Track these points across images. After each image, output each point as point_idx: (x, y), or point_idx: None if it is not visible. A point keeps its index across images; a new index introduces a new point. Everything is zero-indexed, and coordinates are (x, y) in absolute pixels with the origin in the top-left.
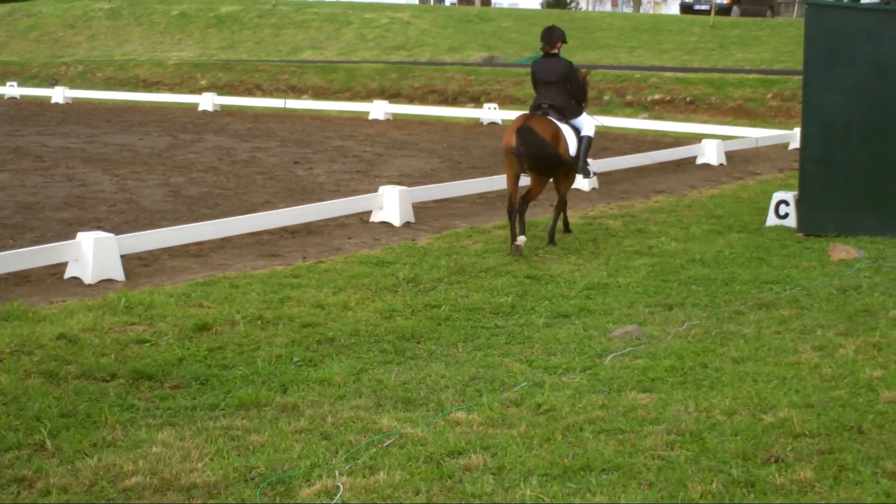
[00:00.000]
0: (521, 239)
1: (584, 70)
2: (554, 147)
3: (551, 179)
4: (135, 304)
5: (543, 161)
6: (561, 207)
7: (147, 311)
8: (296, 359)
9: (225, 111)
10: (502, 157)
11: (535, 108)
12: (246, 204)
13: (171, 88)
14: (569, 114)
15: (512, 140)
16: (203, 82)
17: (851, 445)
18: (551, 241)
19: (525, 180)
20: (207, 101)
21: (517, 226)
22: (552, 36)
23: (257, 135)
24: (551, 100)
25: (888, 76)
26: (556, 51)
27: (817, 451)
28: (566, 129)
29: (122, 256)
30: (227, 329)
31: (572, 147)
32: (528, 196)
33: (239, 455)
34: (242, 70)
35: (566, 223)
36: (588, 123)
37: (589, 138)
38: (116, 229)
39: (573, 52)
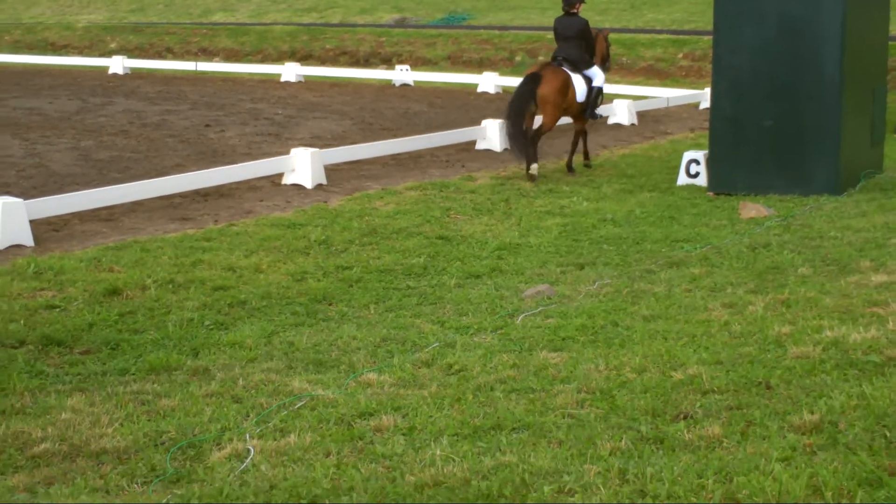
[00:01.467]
0: (534, 167)
1: (603, 31)
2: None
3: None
4: (44, 270)
5: (516, 102)
6: (576, 141)
7: (57, 276)
8: (207, 322)
9: (135, 74)
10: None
11: (553, 59)
12: (157, 167)
13: (81, 52)
14: (582, 66)
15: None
16: (113, 45)
17: (759, 401)
18: (569, 168)
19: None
20: (118, 65)
21: (532, 155)
22: None
23: (168, 98)
24: (567, 53)
25: (796, 35)
26: (575, 10)
27: (726, 407)
28: (577, 79)
29: (32, 221)
30: (138, 293)
31: (581, 94)
32: (541, 129)
33: (149, 420)
34: (153, 33)
35: (586, 154)
36: (599, 75)
37: (599, 88)
38: (25, 194)
39: (484, 13)
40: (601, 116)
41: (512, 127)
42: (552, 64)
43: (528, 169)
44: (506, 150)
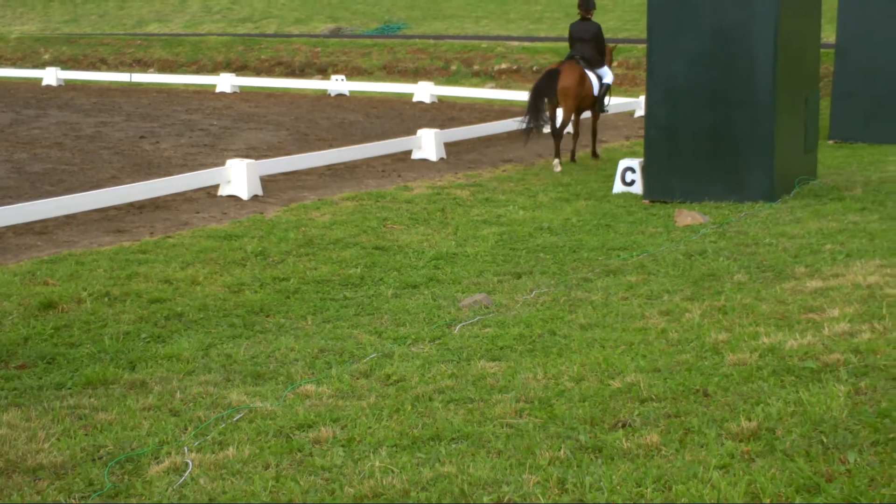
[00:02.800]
0: (557, 162)
1: (610, 45)
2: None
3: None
4: None
5: (538, 91)
6: (595, 131)
7: None
8: (144, 335)
9: (69, 86)
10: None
11: (570, 57)
12: (92, 180)
13: (14, 63)
14: (594, 64)
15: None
16: (46, 56)
17: (697, 408)
18: (594, 154)
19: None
20: (51, 76)
21: (557, 146)
22: (588, 5)
23: (102, 109)
24: (582, 52)
25: (729, 43)
26: (589, 16)
27: (664, 415)
28: (591, 75)
29: None
30: (74, 307)
31: (595, 88)
32: (563, 123)
33: (86, 434)
34: (86, 44)
35: (594, 149)
36: (608, 74)
37: (608, 84)
38: None
39: (419, 23)
40: (607, 110)
41: (534, 112)
42: (569, 60)
43: (557, 159)
44: (441, 159)
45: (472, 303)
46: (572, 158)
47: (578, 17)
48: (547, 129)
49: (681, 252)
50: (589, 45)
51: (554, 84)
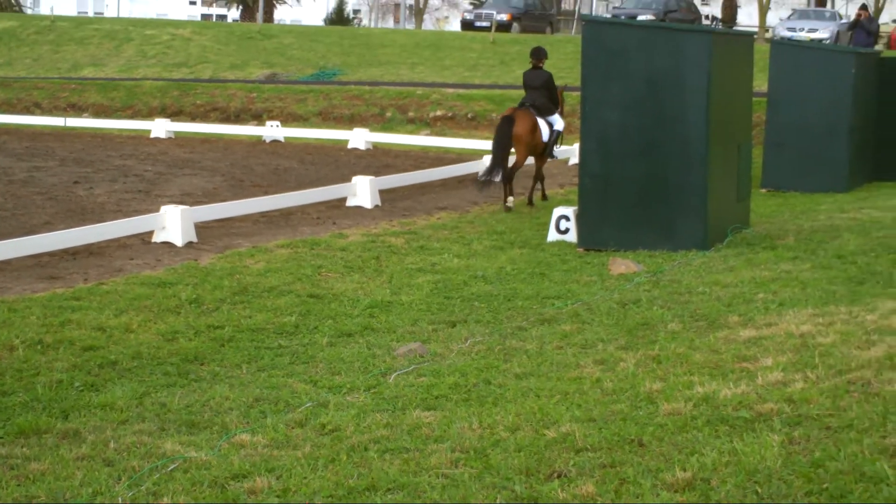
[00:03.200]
0: (510, 200)
1: (560, 86)
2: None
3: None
4: None
5: (500, 141)
6: (538, 178)
7: None
8: (77, 383)
9: (2, 129)
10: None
11: (521, 105)
12: (25, 225)
13: None
14: (545, 112)
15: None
16: None
17: (632, 458)
18: (530, 202)
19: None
20: None
21: (508, 189)
22: (539, 54)
23: (36, 154)
24: (533, 100)
25: (661, 92)
26: (541, 65)
27: (599, 465)
28: (542, 122)
29: None
30: (6, 354)
31: (545, 135)
32: (515, 166)
33: (18, 484)
34: (20, 88)
35: (543, 193)
36: (559, 121)
37: (559, 132)
38: None
39: (354, 69)
40: (556, 157)
41: (500, 162)
42: (521, 108)
43: (505, 201)
44: (376, 206)
45: (407, 352)
46: (529, 201)
47: (531, 66)
48: (510, 202)
49: (615, 301)
50: (540, 93)
51: (510, 132)
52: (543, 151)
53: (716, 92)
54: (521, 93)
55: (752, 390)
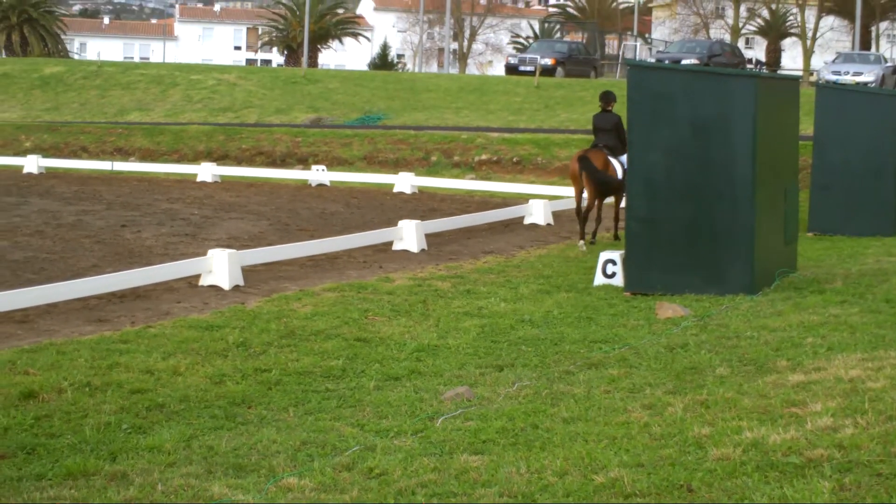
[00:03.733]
0: (586, 239)
1: None
2: (603, 172)
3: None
4: None
5: (594, 177)
6: (618, 217)
7: None
8: (125, 426)
9: (50, 174)
10: (569, 178)
11: (594, 146)
12: (73, 268)
13: None
14: (617, 152)
15: (575, 165)
16: (27, 144)
17: None
18: (616, 237)
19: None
20: (32, 164)
21: (582, 229)
22: (609, 98)
23: (84, 198)
24: (605, 141)
25: (707, 136)
26: (610, 108)
27: None
28: (614, 161)
29: None
30: (55, 396)
31: (619, 173)
32: (587, 208)
33: None
34: (68, 132)
35: (616, 233)
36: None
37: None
38: None
39: (399, 113)
40: None
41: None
42: (594, 148)
43: (581, 237)
44: (423, 250)
45: (454, 395)
46: (592, 240)
47: (600, 109)
48: (582, 245)
49: (662, 345)
50: (610, 135)
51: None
52: (618, 190)
53: (762, 135)
54: (566, 137)
55: (801, 436)
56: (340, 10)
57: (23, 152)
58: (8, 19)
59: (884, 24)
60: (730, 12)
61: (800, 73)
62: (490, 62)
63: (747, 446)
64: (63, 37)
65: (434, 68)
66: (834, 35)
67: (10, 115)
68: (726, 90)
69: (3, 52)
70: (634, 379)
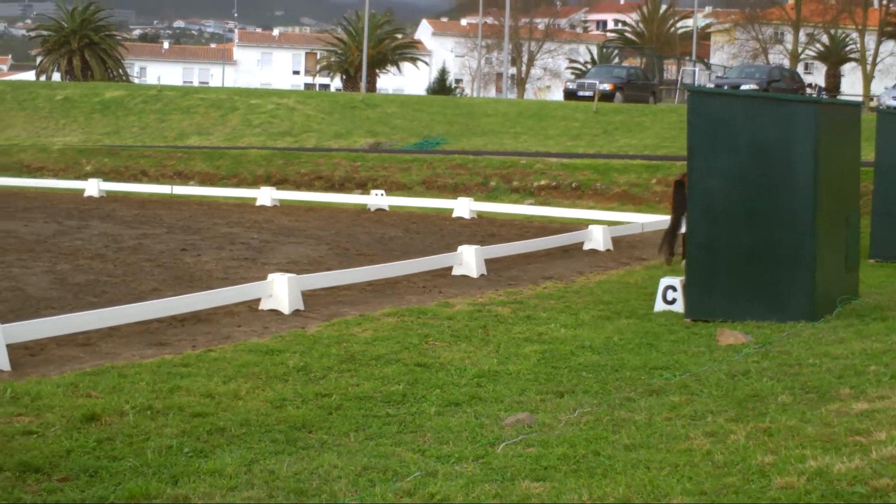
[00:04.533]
0: (671, 258)
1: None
2: None
3: None
4: (21, 395)
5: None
6: None
7: (34, 401)
8: (186, 449)
9: (111, 197)
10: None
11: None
12: (134, 292)
13: (56, 174)
14: None
15: (673, 190)
16: (88, 168)
17: None
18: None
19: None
20: (93, 187)
21: (669, 250)
22: None
23: (144, 221)
24: None
25: (768, 161)
26: None
27: None
28: None
29: (8, 346)
30: (117, 419)
31: None
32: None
33: None
34: (128, 156)
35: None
36: None
37: None
38: (2, 318)
39: (458, 138)
40: None
41: (679, 225)
42: None
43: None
44: (482, 275)
45: (515, 422)
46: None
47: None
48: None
49: (724, 372)
50: None
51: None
52: None
53: (822, 161)
54: (625, 162)
55: (866, 465)
56: (399, 36)
57: (84, 176)
58: (69, 44)
59: None
60: (789, 37)
61: (860, 99)
62: (548, 87)
63: (811, 475)
64: (123, 61)
65: (492, 93)
66: (894, 60)
67: (71, 139)
68: (787, 116)
69: (65, 76)
70: (696, 406)
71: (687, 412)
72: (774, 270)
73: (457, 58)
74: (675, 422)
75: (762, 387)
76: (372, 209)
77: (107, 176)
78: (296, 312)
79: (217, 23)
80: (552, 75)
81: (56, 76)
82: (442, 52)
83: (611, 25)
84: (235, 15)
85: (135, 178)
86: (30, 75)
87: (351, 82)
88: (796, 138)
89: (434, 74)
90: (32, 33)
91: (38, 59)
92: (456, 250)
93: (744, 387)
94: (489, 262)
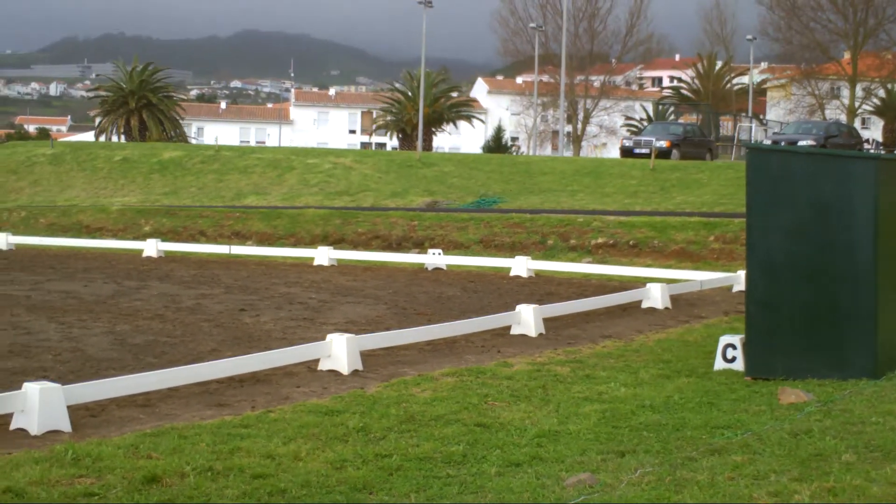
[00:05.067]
0: None
1: None
2: None
3: None
4: (82, 456)
5: None
6: None
7: (95, 462)
8: None
9: (169, 257)
10: None
11: None
12: (193, 352)
13: (115, 234)
14: None
15: None
16: (147, 228)
17: None
18: None
19: None
20: (151, 247)
21: None
22: None
23: (202, 281)
24: None
25: (827, 218)
26: None
27: None
28: None
29: (69, 407)
30: (177, 481)
31: None
32: None
33: None
34: (186, 216)
35: None
36: None
37: None
38: (62, 379)
39: (515, 196)
40: None
41: None
42: None
43: None
44: (540, 334)
45: (576, 482)
46: None
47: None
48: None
49: (786, 431)
50: None
51: None
52: None
53: (883, 217)
54: (682, 220)
55: None
56: (454, 94)
57: (142, 236)
58: (127, 105)
59: None
60: (845, 92)
61: None
62: (604, 144)
63: None
64: (181, 121)
65: (548, 150)
66: None
67: (130, 199)
68: (847, 172)
69: (123, 136)
70: (759, 465)
71: (750, 472)
72: (835, 328)
73: (512, 115)
74: (737, 481)
75: (825, 446)
76: (429, 268)
77: (165, 236)
78: (355, 372)
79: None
80: (608, 132)
81: (115, 137)
82: (497, 110)
83: (666, 82)
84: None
85: (193, 239)
86: (89, 136)
87: (407, 141)
88: (856, 194)
89: (490, 132)
90: (91, 94)
91: (97, 120)
92: (514, 309)
93: (807, 446)
94: (547, 321)
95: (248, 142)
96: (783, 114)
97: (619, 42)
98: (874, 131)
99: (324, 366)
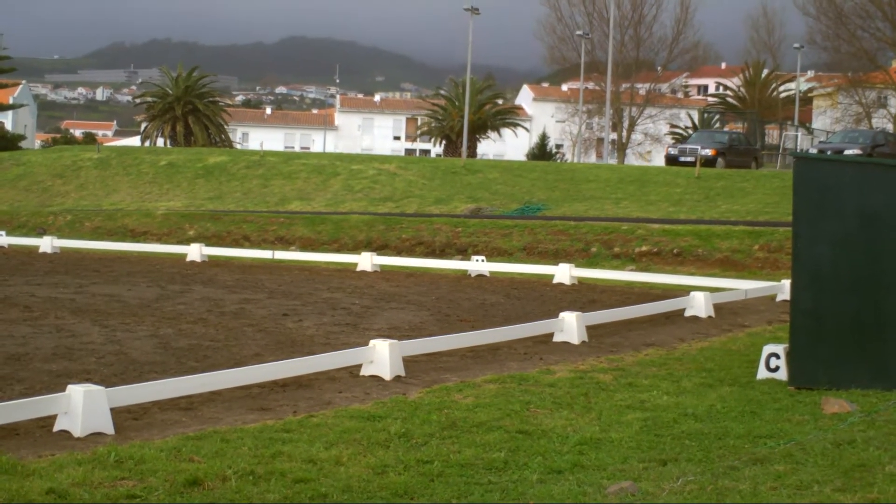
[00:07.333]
0: None
1: None
2: None
3: None
4: (125, 459)
5: None
6: None
7: (137, 465)
8: None
9: (213, 262)
10: None
11: None
12: (235, 356)
13: (160, 238)
14: None
15: None
16: (191, 232)
17: None
18: None
19: None
20: (195, 252)
21: None
22: None
23: (246, 286)
24: None
25: (875, 227)
26: None
27: None
28: None
29: (112, 409)
30: (219, 484)
31: None
32: None
33: None
34: (230, 221)
35: None
36: None
37: None
38: (106, 381)
39: (559, 204)
40: None
41: None
42: None
43: None
44: (583, 342)
45: (618, 490)
46: None
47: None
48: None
49: (829, 441)
50: None
51: None
52: None
53: None
54: (727, 228)
55: None
56: (499, 101)
57: (186, 240)
58: (173, 110)
59: None
60: (892, 101)
61: None
62: (649, 152)
63: None
64: (226, 127)
65: (592, 158)
66: None
67: (174, 204)
68: (894, 181)
69: (168, 142)
70: (801, 475)
71: (792, 482)
72: (880, 338)
73: (557, 123)
74: (780, 491)
75: (869, 456)
76: (472, 275)
77: (209, 241)
78: (397, 378)
79: (319, 88)
80: (653, 140)
81: (160, 142)
82: (542, 118)
83: (712, 90)
84: (337, 81)
85: (237, 243)
86: (134, 141)
87: (451, 147)
88: None
89: (534, 140)
90: (137, 100)
91: (143, 125)
92: (557, 316)
93: (850, 456)
94: (590, 329)
95: (293, 147)
96: (829, 122)
97: (664, 50)
98: None
99: (366, 371)
